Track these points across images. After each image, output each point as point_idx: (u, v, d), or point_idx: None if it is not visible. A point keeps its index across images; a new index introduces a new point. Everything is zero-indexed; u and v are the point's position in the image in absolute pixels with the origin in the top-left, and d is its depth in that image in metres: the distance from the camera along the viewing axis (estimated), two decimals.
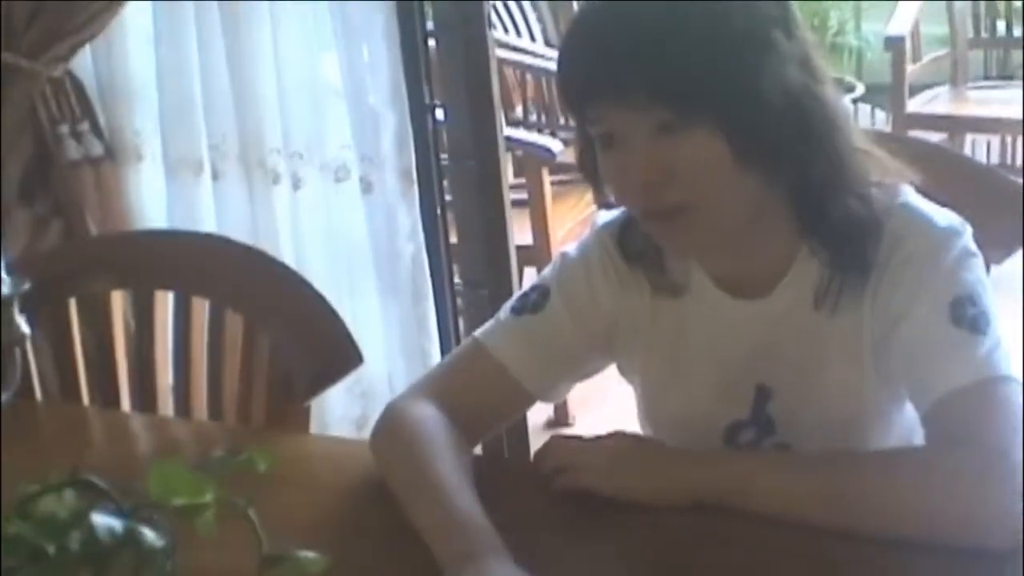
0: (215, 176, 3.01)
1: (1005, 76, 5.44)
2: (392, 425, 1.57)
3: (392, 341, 3.05)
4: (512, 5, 5.04)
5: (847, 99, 5.68)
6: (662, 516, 1.41)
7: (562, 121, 4.74)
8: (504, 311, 1.62)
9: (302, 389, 1.76)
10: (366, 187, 2.92)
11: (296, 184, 2.95)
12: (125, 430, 1.89)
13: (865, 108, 5.64)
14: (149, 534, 0.98)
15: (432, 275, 2.98)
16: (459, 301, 3.12)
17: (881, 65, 5.56)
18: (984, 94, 5.06)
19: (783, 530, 1.36)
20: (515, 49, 4.63)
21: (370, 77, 2.85)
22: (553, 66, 4.69)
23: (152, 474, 1.05)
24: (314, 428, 3.14)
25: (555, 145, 3.86)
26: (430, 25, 2.89)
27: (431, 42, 2.91)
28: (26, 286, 1.27)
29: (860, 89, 5.77)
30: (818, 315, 1.49)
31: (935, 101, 4.98)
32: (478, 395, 1.60)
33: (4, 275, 1.25)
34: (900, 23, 4.90)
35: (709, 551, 1.38)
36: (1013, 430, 1.32)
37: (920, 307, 1.42)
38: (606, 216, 1.61)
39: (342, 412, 3.13)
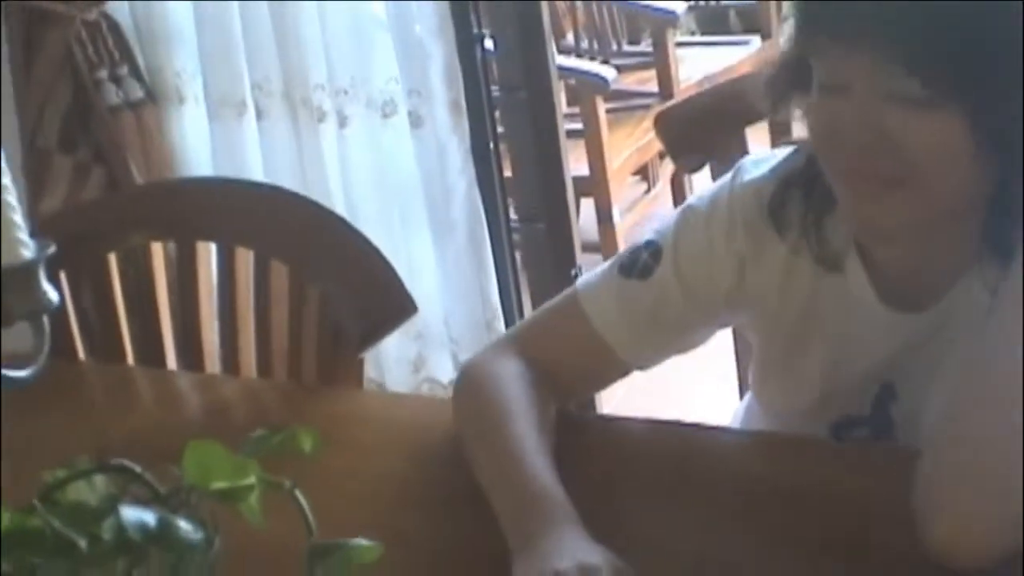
0: (259, 116, 2.93)
1: None
2: (472, 379, 1.46)
3: (448, 280, 2.97)
4: None
5: None
6: (736, 482, 1.35)
7: (615, 47, 4.63)
8: (613, 265, 1.47)
9: (354, 341, 1.66)
10: (415, 121, 2.83)
11: (342, 121, 2.86)
12: (172, 390, 1.81)
13: None
14: (185, 526, 0.89)
15: (487, 211, 2.89)
16: (515, 237, 3.03)
17: None
18: None
19: None
20: None
21: (415, 7, 2.75)
22: None
23: (188, 456, 0.96)
24: (370, 371, 3.11)
25: (609, 72, 3.77)
26: None
27: None
28: (51, 249, 1.17)
29: None
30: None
31: None
32: (570, 358, 1.47)
33: (28, 239, 1.16)
34: None
35: (781, 514, 1.29)
36: None
37: None
38: (755, 166, 1.44)
39: (398, 354, 3.06)
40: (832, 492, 1.31)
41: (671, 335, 1.48)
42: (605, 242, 3.86)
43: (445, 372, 3.06)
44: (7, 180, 1.13)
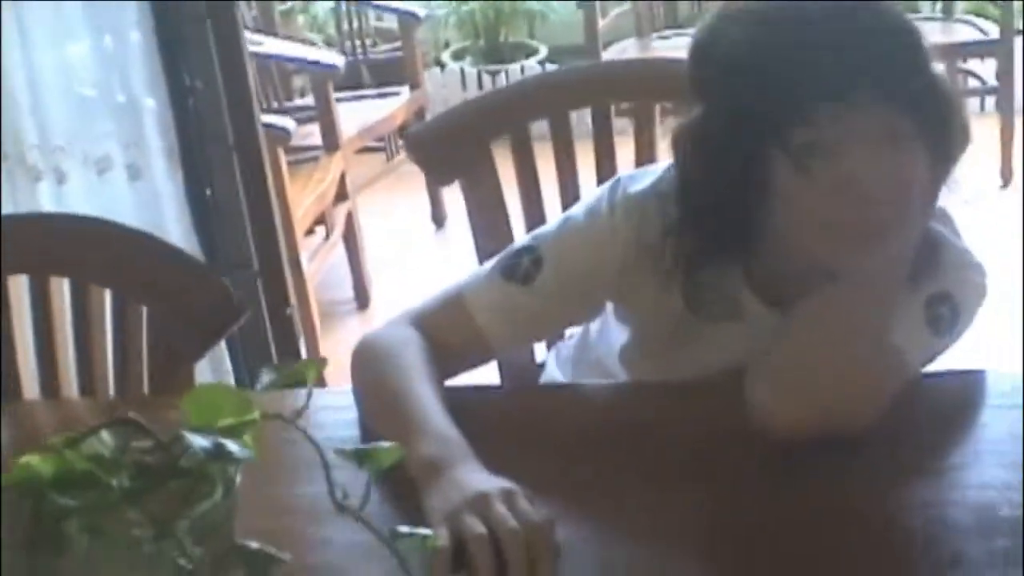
0: None
1: (675, 26, 5.63)
2: (370, 343, 1.56)
3: None
4: None
5: (532, 62, 5.86)
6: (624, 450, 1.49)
7: (275, 105, 4.76)
8: (494, 268, 1.57)
9: (190, 350, 1.74)
10: (133, 173, 2.89)
11: (60, 179, 2.89)
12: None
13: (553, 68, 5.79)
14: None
15: (206, 257, 2.97)
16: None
17: (559, 28, 5.76)
18: (667, 43, 5.26)
19: None
20: None
21: (127, 63, 2.82)
22: (265, 50, 4.61)
23: (190, 399, 1.06)
24: None
25: (290, 124, 3.86)
26: None
27: None
28: None
29: (543, 52, 5.95)
30: None
31: (627, 53, 5.18)
32: (450, 344, 1.56)
33: None
34: None
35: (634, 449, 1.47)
36: None
37: None
38: (632, 181, 1.55)
39: None
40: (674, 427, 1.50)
41: (548, 331, 1.67)
42: (298, 290, 3.95)
43: None
44: None
